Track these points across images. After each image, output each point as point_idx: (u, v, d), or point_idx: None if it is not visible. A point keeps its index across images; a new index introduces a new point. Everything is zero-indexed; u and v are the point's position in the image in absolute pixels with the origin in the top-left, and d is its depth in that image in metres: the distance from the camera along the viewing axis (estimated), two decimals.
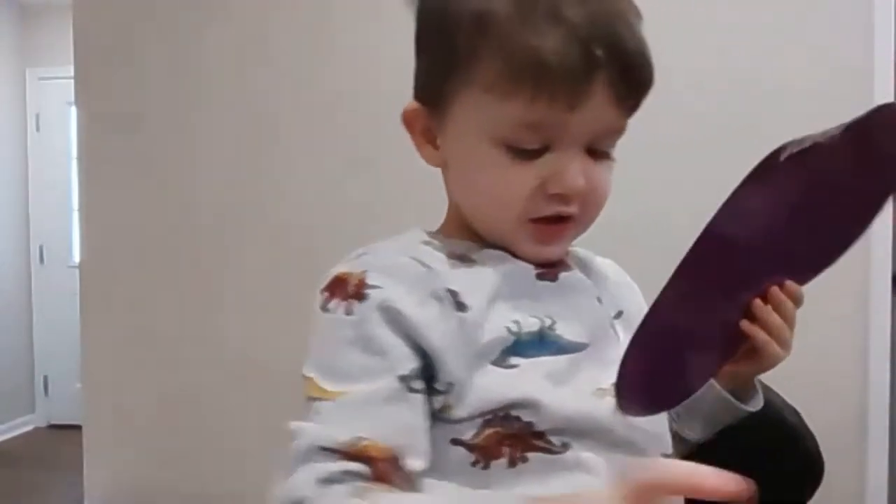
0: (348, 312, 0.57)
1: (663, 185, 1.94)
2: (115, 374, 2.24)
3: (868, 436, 1.84)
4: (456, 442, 0.57)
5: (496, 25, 0.57)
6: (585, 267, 0.72)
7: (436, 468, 0.55)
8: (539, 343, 0.60)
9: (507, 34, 0.57)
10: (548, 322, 0.61)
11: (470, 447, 0.57)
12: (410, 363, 0.56)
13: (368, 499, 0.49)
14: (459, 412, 0.57)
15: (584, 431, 0.58)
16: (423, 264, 0.60)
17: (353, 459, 0.51)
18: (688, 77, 1.94)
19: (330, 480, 0.50)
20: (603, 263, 0.75)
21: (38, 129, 4.61)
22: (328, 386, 0.55)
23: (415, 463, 0.54)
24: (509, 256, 0.64)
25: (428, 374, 0.56)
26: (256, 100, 2.17)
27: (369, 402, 0.54)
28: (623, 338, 0.66)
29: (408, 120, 0.66)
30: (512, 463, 0.56)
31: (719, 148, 1.93)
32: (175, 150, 2.24)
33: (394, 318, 0.56)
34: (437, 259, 0.62)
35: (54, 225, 4.59)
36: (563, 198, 0.61)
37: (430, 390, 0.57)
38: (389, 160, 1.63)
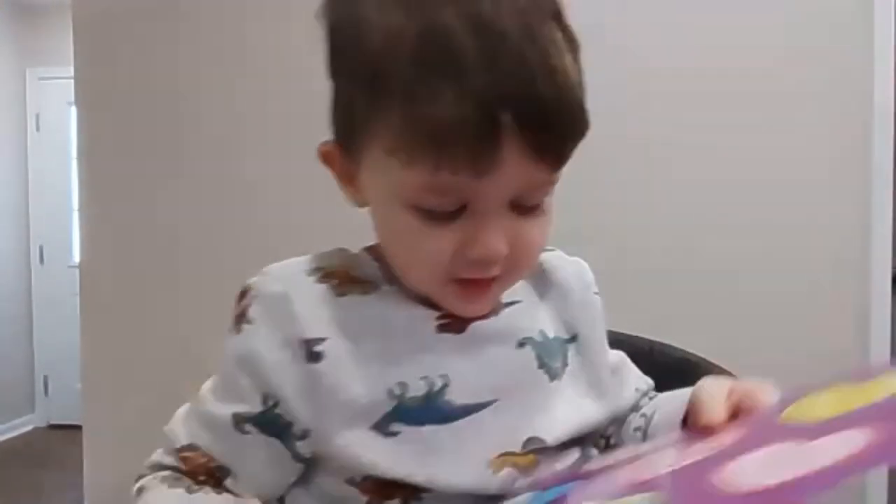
0: (229, 334, 0.59)
1: (661, 185, 1.94)
2: (115, 374, 2.24)
3: None
4: (350, 482, 0.58)
5: (393, 85, 0.50)
6: (544, 284, 0.67)
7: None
8: (425, 409, 0.56)
9: (404, 97, 0.49)
10: (439, 384, 0.57)
11: (362, 489, 0.57)
12: (248, 406, 0.57)
13: (163, 485, 0.58)
14: (334, 464, 0.58)
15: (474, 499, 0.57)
16: (289, 302, 0.57)
17: (179, 463, 0.60)
18: (687, 77, 1.94)
19: (156, 467, 0.61)
20: (568, 275, 0.69)
21: (38, 129, 4.61)
22: (206, 390, 0.61)
23: (243, 490, 0.59)
24: (411, 303, 0.59)
25: (282, 419, 0.57)
26: (258, 99, 2.17)
27: (214, 421, 0.59)
28: (572, 365, 0.65)
29: (324, 158, 0.60)
30: (405, 502, 0.57)
31: (719, 148, 1.93)
32: (175, 150, 2.24)
33: (248, 360, 0.57)
34: (312, 296, 0.58)
35: (54, 225, 4.59)
36: (483, 262, 0.55)
37: (289, 433, 0.57)
38: None
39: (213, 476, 0.59)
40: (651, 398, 0.73)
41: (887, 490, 1.85)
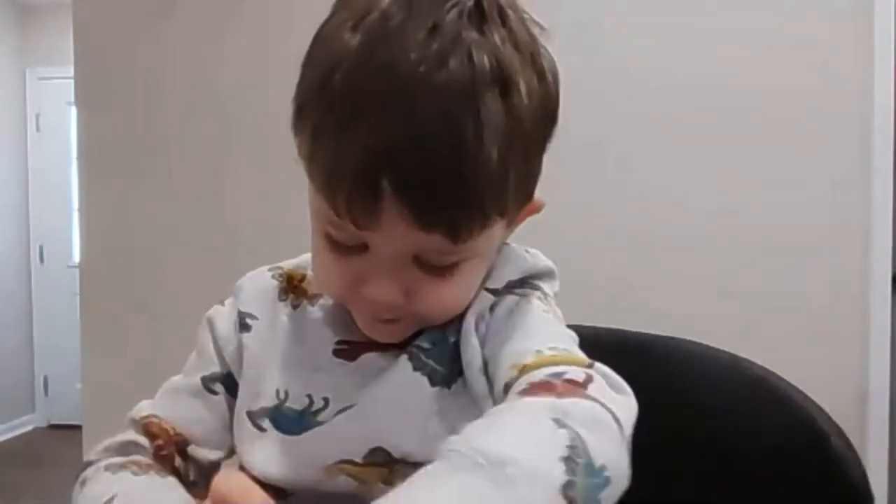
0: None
1: (662, 185, 1.94)
2: (115, 374, 2.25)
3: (868, 435, 1.84)
4: None
5: (310, 114, 0.50)
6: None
7: None
8: (296, 421, 0.57)
9: (312, 131, 0.50)
10: (318, 405, 0.57)
11: None
12: (213, 367, 0.63)
13: (101, 476, 0.57)
14: None
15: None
16: (243, 288, 0.66)
17: (143, 431, 0.61)
18: (687, 77, 1.94)
19: (109, 449, 0.60)
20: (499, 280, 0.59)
21: (38, 129, 4.61)
22: (174, 377, 0.65)
23: (207, 453, 0.61)
24: (327, 320, 0.60)
25: (234, 382, 0.62)
26: (259, 99, 2.17)
27: (178, 391, 0.63)
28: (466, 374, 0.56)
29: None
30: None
31: (719, 148, 1.93)
32: (175, 149, 2.24)
33: (210, 326, 0.64)
34: (260, 285, 0.65)
35: (54, 225, 4.59)
36: (379, 305, 0.53)
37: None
38: None
39: (175, 442, 0.61)
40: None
41: (887, 489, 1.85)
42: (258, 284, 0.65)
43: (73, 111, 2.48)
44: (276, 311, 0.63)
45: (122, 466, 0.57)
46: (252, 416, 0.59)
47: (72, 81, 2.31)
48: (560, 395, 0.44)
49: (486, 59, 0.47)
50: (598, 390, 0.45)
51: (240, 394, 0.61)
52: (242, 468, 0.59)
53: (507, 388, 0.50)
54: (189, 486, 0.59)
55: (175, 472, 0.59)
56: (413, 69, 0.46)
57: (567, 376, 0.46)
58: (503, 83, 0.48)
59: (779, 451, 0.64)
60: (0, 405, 4.39)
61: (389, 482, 0.54)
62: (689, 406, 0.66)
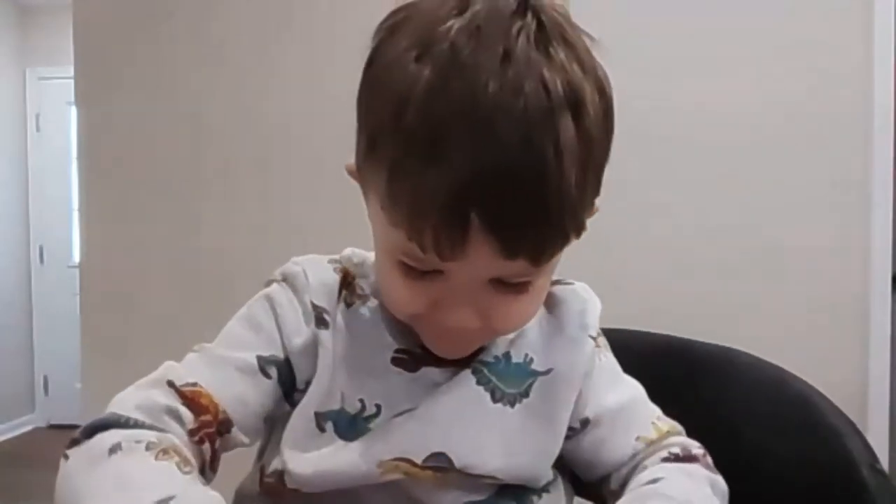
0: (252, 300, 0.63)
1: (662, 185, 1.94)
2: (115, 374, 2.24)
3: (868, 435, 1.84)
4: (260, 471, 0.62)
5: (387, 147, 0.49)
6: (548, 315, 0.65)
7: None
8: (349, 425, 0.58)
9: (394, 163, 0.48)
10: (371, 411, 0.58)
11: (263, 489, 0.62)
12: (274, 350, 0.59)
13: (141, 455, 0.49)
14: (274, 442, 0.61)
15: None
16: (306, 276, 0.62)
17: (186, 401, 0.55)
18: (687, 78, 1.94)
19: (142, 408, 0.54)
20: (570, 312, 0.66)
21: (38, 129, 4.61)
22: (206, 343, 0.60)
23: (240, 437, 0.57)
24: (383, 327, 0.61)
25: (293, 373, 0.60)
26: (259, 99, 2.18)
27: (222, 363, 0.58)
28: (532, 398, 0.61)
29: (350, 174, 0.60)
30: None
31: (719, 148, 1.93)
32: (175, 149, 2.24)
33: (273, 307, 0.61)
34: (326, 276, 0.62)
35: (54, 225, 4.59)
36: (451, 330, 0.54)
37: (293, 387, 0.60)
38: None
39: (219, 421, 0.56)
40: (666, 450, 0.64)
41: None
42: (323, 277, 0.62)
43: (73, 111, 2.48)
44: (337, 309, 0.61)
45: (165, 452, 0.50)
46: (318, 417, 0.58)
47: (72, 81, 2.31)
48: (706, 466, 0.60)
49: (558, 83, 0.47)
50: (711, 462, 0.61)
51: (311, 392, 0.59)
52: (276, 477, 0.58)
53: (635, 456, 0.62)
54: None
55: (198, 457, 0.55)
56: (492, 99, 0.46)
57: (699, 451, 0.62)
58: (575, 106, 0.48)
59: (806, 471, 0.64)
60: (0, 405, 4.39)
61: (441, 488, 0.58)
62: (727, 415, 0.66)
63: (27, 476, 3.72)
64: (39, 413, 4.64)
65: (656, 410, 0.66)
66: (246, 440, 0.58)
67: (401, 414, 0.58)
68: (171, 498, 0.45)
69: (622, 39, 1.95)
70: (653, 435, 0.63)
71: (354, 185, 0.58)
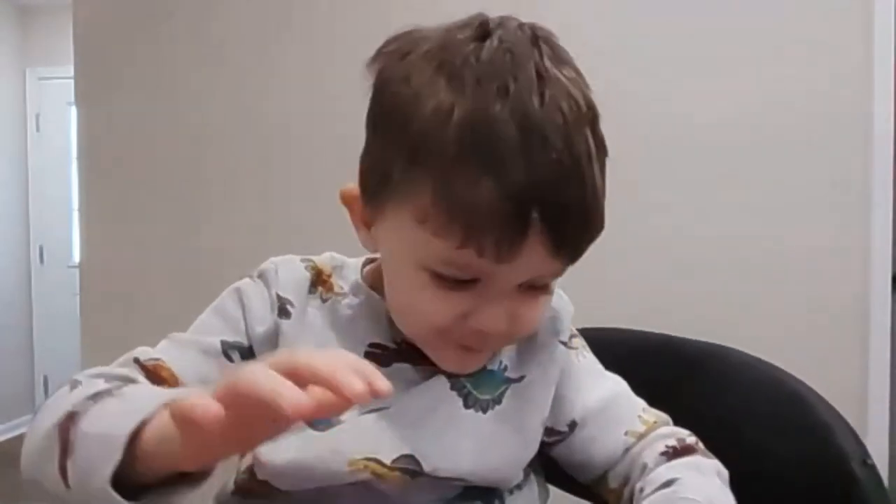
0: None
1: (661, 185, 1.94)
2: None
3: (868, 436, 1.84)
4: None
5: (434, 161, 0.52)
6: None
7: None
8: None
9: (443, 175, 0.51)
10: None
11: (239, 486, 0.65)
12: (238, 337, 0.63)
13: (93, 384, 0.53)
14: None
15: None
16: (276, 271, 0.65)
17: (147, 373, 0.59)
18: (687, 78, 1.94)
19: (102, 375, 0.56)
20: (542, 319, 0.65)
21: (38, 129, 4.61)
22: (186, 332, 0.64)
23: None
24: (356, 323, 0.63)
25: (254, 360, 0.60)
26: (258, 99, 2.17)
27: (188, 345, 0.62)
28: (505, 405, 0.63)
29: (345, 200, 0.62)
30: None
31: (718, 149, 1.93)
32: (175, 149, 2.24)
33: (240, 297, 0.64)
34: (295, 273, 0.65)
35: (54, 225, 4.59)
36: (483, 334, 0.57)
37: None
38: None
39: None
40: (660, 435, 0.65)
41: (888, 483, 1.85)
42: (293, 273, 0.65)
43: (73, 111, 2.48)
44: (307, 303, 0.64)
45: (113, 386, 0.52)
46: None
47: (72, 81, 2.31)
48: (703, 454, 0.62)
49: (580, 98, 0.54)
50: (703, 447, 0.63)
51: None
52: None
53: (627, 451, 0.64)
54: None
55: None
56: (539, 112, 0.51)
57: (692, 439, 0.63)
58: (593, 116, 0.55)
59: (802, 469, 0.65)
60: (0, 405, 4.38)
61: (409, 488, 0.59)
62: (723, 413, 0.67)
63: None
64: None
65: (640, 403, 0.68)
66: None
67: (373, 411, 0.59)
68: (121, 385, 0.49)
69: (622, 39, 1.95)
70: (641, 428, 0.65)
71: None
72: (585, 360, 0.69)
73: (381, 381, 0.39)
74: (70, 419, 0.49)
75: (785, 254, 1.90)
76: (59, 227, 4.57)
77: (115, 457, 0.43)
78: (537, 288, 0.58)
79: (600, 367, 0.69)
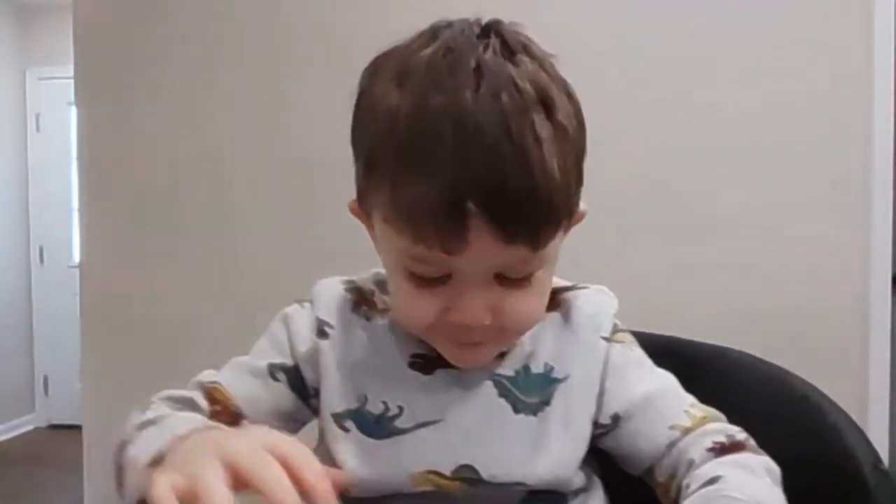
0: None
1: (661, 185, 1.94)
2: (114, 374, 2.25)
3: (868, 435, 1.84)
4: None
5: (381, 166, 0.56)
6: (563, 321, 0.68)
7: None
8: (374, 425, 0.64)
9: (390, 177, 0.55)
10: (393, 412, 0.64)
11: None
12: (283, 358, 0.68)
13: (155, 408, 0.64)
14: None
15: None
16: (319, 294, 0.70)
17: (205, 394, 0.66)
18: (687, 78, 1.94)
19: (171, 399, 0.66)
20: (582, 316, 0.69)
21: (38, 129, 4.61)
22: (242, 357, 0.70)
23: None
24: (399, 336, 0.67)
25: (304, 379, 0.68)
26: (260, 99, 2.18)
27: (242, 367, 0.68)
28: (554, 405, 0.64)
29: (354, 213, 0.65)
30: None
31: (719, 148, 1.93)
32: (175, 150, 2.24)
33: (287, 322, 0.69)
34: (335, 295, 0.70)
35: (54, 225, 4.59)
36: (463, 328, 0.59)
37: (307, 392, 0.68)
38: None
39: (230, 412, 0.65)
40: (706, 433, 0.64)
41: None
42: (333, 296, 0.70)
43: (73, 111, 2.48)
44: (351, 322, 0.68)
45: (182, 409, 0.63)
46: (336, 418, 0.65)
47: (72, 81, 2.31)
48: (753, 450, 0.60)
49: (528, 85, 0.54)
50: (755, 444, 0.61)
51: (323, 397, 0.66)
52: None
53: (673, 445, 0.63)
54: None
55: None
56: (473, 103, 0.52)
57: (742, 435, 0.62)
58: (546, 103, 0.54)
59: (808, 471, 0.63)
60: (0, 405, 4.39)
61: (471, 497, 0.62)
62: (727, 415, 0.66)
63: (27, 476, 3.72)
64: (39, 413, 4.63)
65: (689, 398, 0.67)
66: None
67: (428, 424, 0.63)
68: (210, 428, 0.53)
69: (622, 39, 1.95)
70: (687, 422, 0.64)
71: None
72: (633, 354, 0.69)
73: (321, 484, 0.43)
74: (121, 448, 0.59)
75: (785, 254, 1.91)
76: (59, 227, 4.57)
77: (142, 481, 0.48)
78: (517, 279, 0.58)
79: (649, 362, 0.69)
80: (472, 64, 0.54)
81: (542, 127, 0.53)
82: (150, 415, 0.61)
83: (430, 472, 0.62)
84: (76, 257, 2.67)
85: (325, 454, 0.66)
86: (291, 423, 0.68)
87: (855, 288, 1.89)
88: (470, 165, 0.51)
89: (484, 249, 0.54)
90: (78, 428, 2.37)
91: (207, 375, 0.68)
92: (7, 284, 4.50)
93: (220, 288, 2.17)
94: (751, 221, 1.92)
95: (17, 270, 4.57)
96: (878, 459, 0.64)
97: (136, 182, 2.26)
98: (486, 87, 0.53)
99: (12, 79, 4.52)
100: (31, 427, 4.58)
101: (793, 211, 1.91)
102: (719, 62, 1.93)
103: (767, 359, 0.77)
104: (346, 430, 0.64)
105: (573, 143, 0.56)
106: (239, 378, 0.67)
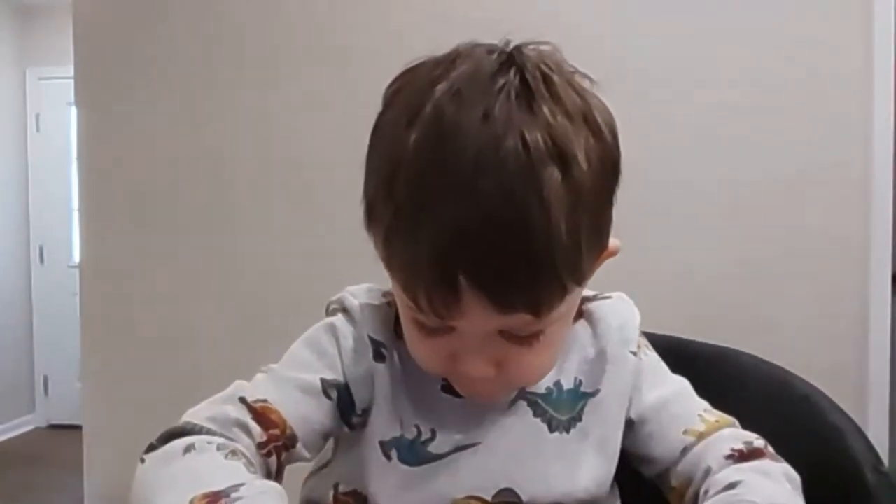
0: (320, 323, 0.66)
1: (661, 185, 1.94)
2: (114, 374, 2.24)
3: (868, 435, 1.84)
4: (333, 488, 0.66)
5: (378, 221, 0.52)
6: (588, 333, 0.67)
7: None
8: (409, 450, 0.62)
9: (385, 234, 0.51)
10: (426, 436, 0.62)
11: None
12: (335, 375, 0.62)
13: (213, 454, 0.52)
14: (340, 465, 0.67)
15: None
16: (364, 310, 0.64)
17: (256, 416, 0.57)
18: (687, 77, 1.94)
19: (216, 421, 0.56)
20: (609, 329, 0.67)
21: (38, 129, 4.61)
22: (272, 365, 0.63)
23: (303, 452, 0.61)
24: None
25: (352, 397, 0.62)
26: (260, 99, 2.18)
27: (288, 382, 0.61)
28: (585, 421, 0.64)
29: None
30: None
31: (719, 148, 1.93)
32: (175, 150, 2.24)
33: (335, 335, 0.63)
34: (381, 313, 0.64)
35: (54, 225, 4.59)
36: (474, 378, 0.56)
37: (352, 412, 0.63)
38: None
39: (287, 436, 0.59)
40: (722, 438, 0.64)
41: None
42: (380, 314, 0.64)
43: (73, 111, 2.48)
44: (395, 345, 0.63)
45: (234, 454, 0.53)
46: (383, 446, 0.62)
47: (72, 81, 2.31)
48: (772, 457, 0.60)
49: (539, 137, 0.48)
50: (773, 451, 0.60)
51: (372, 423, 0.62)
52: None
53: (687, 450, 0.63)
54: None
55: (264, 469, 0.58)
56: (472, 160, 0.47)
57: (760, 442, 0.61)
58: (561, 157, 0.48)
59: (809, 472, 0.62)
60: (0, 405, 4.39)
61: None
62: (730, 416, 0.66)
63: (27, 476, 3.72)
64: (39, 413, 4.63)
65: (703, 403, 0.67)
66: (308, 455, 0.62)
67: (466, 448, 0.61)
68: (240, 485, 0.47)
69: (622, 39, 1.95)
70: (701, 427, 0.64)
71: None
72: (647, 359, 0.68)
73: None
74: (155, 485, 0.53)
75: (785, 253, 1.91)
76: (59, 227, 4.57)
77: None
78: (524, 337, 0.54)
79: (664, 366, 0.69)
80: (480, 112, 0.48)
81: (552, 187, 0.47)
82: (195, 440, 0.53)
83: (471, 497, 0.61)
84: (76, 257, 2.67)
85: (345, 477, 0.64)
86: (326, 441, 0.65)
87: (855, 288, 1.89)
88: (463, 234, 0.47)
89: (479, 316, 0.50)
90: (78, 428, 2.37)
91: (247, 390, 0.59)
92: (7, 284, 4.50)
93: (220, 288, 2.17)
94: (750, 221, 1.92)
95: (16, 270, 4.57)
96: (879, 460, 0.64)
97: (136, 182, 2.26)
98: (490, 140, 0.47)
99: (12, 79, 4.52)
100: (30, 427, 4.58)
101: (793, 210, 1.91)
102: (719, 62, 1.93)
103: (767, 359, 0.77)
104: (389, 458, 0.62)
105: (592, 196, 0.50)
106: (288, 394, 0.60)
